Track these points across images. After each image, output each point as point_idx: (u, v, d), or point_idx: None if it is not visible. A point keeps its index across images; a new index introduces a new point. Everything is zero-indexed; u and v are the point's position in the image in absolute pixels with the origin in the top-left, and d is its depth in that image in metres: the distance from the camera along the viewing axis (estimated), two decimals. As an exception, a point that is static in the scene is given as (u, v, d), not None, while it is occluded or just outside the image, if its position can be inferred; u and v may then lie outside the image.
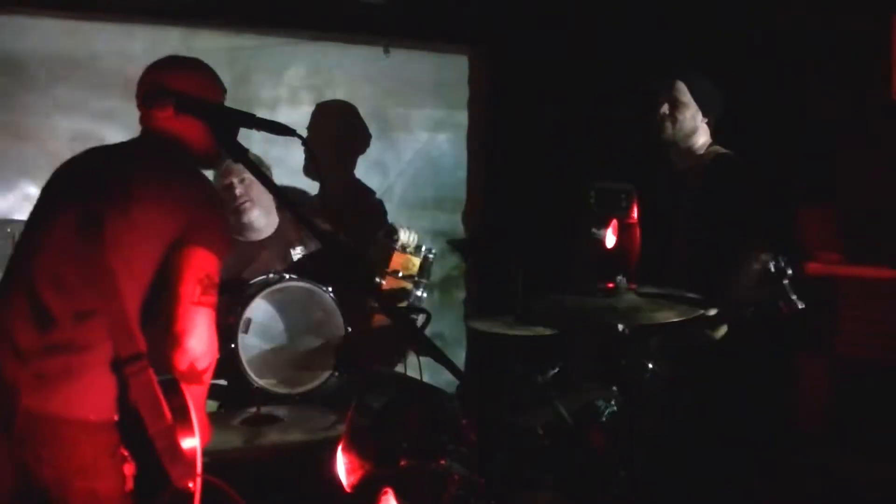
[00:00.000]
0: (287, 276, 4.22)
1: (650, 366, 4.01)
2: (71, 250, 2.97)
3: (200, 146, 3.25)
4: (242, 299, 4.10)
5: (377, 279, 4.41)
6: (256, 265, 4.54)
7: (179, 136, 3.21)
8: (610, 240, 4.97)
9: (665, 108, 4.44)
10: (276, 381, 4.13)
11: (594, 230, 4.65)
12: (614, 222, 5.01)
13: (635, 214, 4.94)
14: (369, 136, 5.73)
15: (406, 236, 4.60)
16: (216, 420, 4.04)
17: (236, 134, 2.57)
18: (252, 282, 4.27)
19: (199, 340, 2.97)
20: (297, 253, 4.68)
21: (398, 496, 3.09)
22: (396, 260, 4.45)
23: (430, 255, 4.61)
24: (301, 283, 4.20)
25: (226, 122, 2.62)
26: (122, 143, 3.30)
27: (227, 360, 4.00)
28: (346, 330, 4.24)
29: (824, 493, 4.30)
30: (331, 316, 4.25)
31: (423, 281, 4.54)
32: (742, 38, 4.88)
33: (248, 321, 4.05)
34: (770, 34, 4.84)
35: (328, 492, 3.31)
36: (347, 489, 3.27)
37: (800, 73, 4.83)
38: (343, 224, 5.07)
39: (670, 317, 3.86)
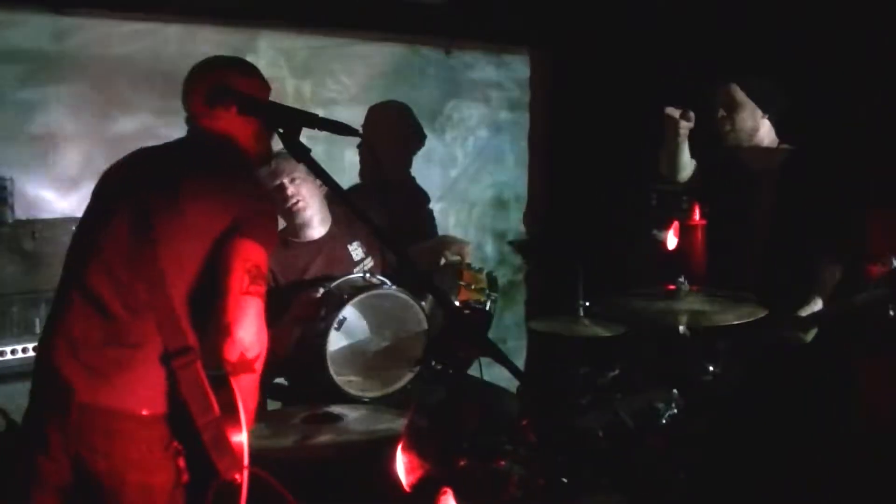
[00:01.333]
0: (388, 283, 4.19)
1: (711, 368, 3.99)
2: (124, 246, 3.01)
3: (250, 144, 3.31)
4: (338, 298, 4.08)
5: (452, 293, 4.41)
6: (318, 264, 4.53)
7: (229, 133, 3.26)
8: (671, 241, 4.94)
9: (722, 112, 4.42)
10: (355, 381, 4.14)
11: (655, 232, 4.62)
12: (676, 224, 4.98)
13: (697, 216, 4.91)
14: (424, 136, 5.75)
15: (469, 253, 4.64)
16: (277, 416, 4.07)
17: (299, 134, 2.58)
18: (344, 279, 4.27)
19: (248, 330, 2.97)
20: (354, 248, 4.66)
21: (457, 496, 3.09)
22: (467, 274, 4.45)
23: (494, 273, 4.63)
24: (399, 293, 4.17)
25: (288, 122, 2.62)
26: (172, 142, 3.36)
27: (313, 355, 4.05)
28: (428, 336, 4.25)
29: (885, 497, 4.24)
30: (418, 329, 4.24)
31: (495, 294, 4.53)
32: (810, 38, 4.83)
33: (343, 320, 4.05)
34: (838, 34, 4.78)
35: (387, 491, 3.31)
36: (406, 488, 3.27)
37: (866, 73, 4.76)
38: (398, 223, 5.09)
39: (731, 319, 3.85)
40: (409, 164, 5.71)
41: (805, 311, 4.15)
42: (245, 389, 3.04)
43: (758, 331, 3.99)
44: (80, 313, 3.00)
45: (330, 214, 4.68)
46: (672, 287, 4.10)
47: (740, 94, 4.37)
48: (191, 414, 2.90)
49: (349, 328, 4.12)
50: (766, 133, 4.42)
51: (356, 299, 4.07)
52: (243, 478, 2.95)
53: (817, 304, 4.19)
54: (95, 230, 3.11)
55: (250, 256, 3.02)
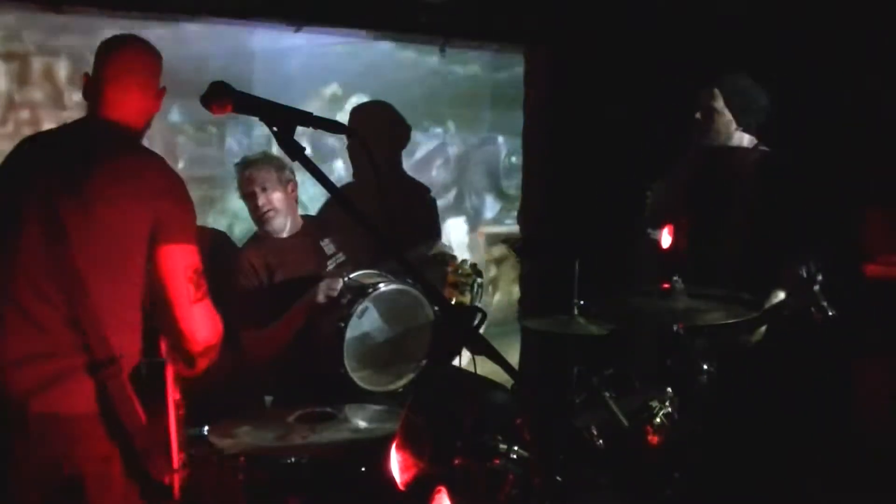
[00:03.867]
0: (409, 281, 4.25)
1: (705, 366, 3.99)
2: (41, 257, 2.98)
3: (142, 126, 3.33)
4: (363, 288, 4.18)
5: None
6: (292, 259, 4.63)
7: (128, 122, 3.25)
8: (666, 240, 4.94)
9: (698, 116, 4.44)
10: (362, 374, 4.18)
11: (650, 231, 4.62)
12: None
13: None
14: (409, 129, 5.73)
15: (456, 256, 4.68)
16: (270, 415, 4.07)
17: (293, 132, 2.58)
18: (364, 273, 4.37)
19: (207, 331, 3.11)
20: (325, 244, 4.76)
21: (452, 495, 3.09)
22: (452, 263, 4.50)
23: (477, 265, 4.67)
24: (418, 293, 4.26)
25: (283, 121, 2.62)
26: (67, 131, 3.30)
27: (327, 341, 4.12)
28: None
29: (882, 496, 4.25)
30: (426, 330, 4.34)
31: (480, 279, 4.56)
32: (808, 36, 4.83)
33: (366, 308, 4.14)
34: (837, 33, 4.78)
35: (382, 489, 3.32)
36: (401, 487, 3.27)
37: (866, 73, 4.77)
38: (397, 221, 5.09)
39: (723, 318, 3.85)
40: (399, 160, 5.70)
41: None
42: (209, 361, 3.19)
43: (718, 331, 4.01)
44: (16, 331, 3.00)
45: (300, 214, 4.82)
46: (667, 286, 4.10)
47: (719, 103, 4.39)
48: (120, 421, 2.97)
49: (365, 320, 4.16)
50: (743, 138, 4.42)
51: (380, 290, 4.17)
52: (173, 480, 3.04)
53: (777, 299, 4.18)
54: (10, 240, 3.05)
55: (188, 263, 3.08)
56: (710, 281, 4.19)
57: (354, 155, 5.41)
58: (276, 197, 4.60)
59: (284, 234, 4.69)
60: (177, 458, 3.04)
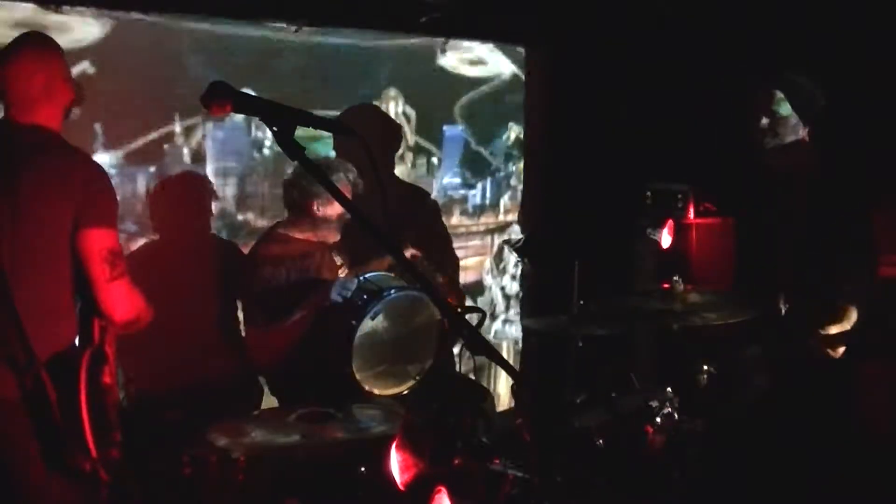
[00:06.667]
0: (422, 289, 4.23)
1: (706, 367, 3.98)
2: None
3: (55, 122, 3.48)
4: (378, 289, 4.18)
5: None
6: (316, 263, 4.54)
7: (46, 125, 3.43)
8: (665, 240, 4.94)
9: (764, 122, 4.24)
10: (363, 375, 4.18)
11: (650, 231, 4.61)
12: (670, 223, 4.98)
13: (692, 215, 4.90)
14: (400, 129, 5.73)
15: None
16: (271, 415, 4.07)
17: (293, 132, 2.58)
18: (381, 274, 4.38)
19: (125, 310, 3.40)
20: (335, 254, 4.67)
21: (452, 495, 3.09)
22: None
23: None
24: (430, 302, 4.24)
25: (283, 121, 2.62)
26: None
27: (337, 339, 4.12)
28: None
29: (883, 497, 4.24)
30: (432, 339, 4.34)
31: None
32: (811, 37, 4.82)
33: (379, 311, 4.14)
34: (837, 32, 4.77)
35: (381, 490, 3.31)
36: (401, 487, 3.27)
37: (870, 73, 4.75)
38: (400, 224, 5.10)
39: (723, 318, 3.85)
40: (393, 163, 5.69)
41: (841, 326, 4.05)
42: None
43: (787, 342, 3.96)
44: None
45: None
46: (667, 286, 4.10)
47: (786, 107, 4.20)
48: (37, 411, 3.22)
49: (376, 322, 4.20)
50: (804, 132, 4.31)
51: (395, 295, 4.18)
52: (95, 466, 3.24)
53: (853, 317, 4.07)
54: None
55: (103, 244, 3.34)
56: (763, 285, 4.14)
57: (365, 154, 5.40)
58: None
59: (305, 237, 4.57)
60: (93, 445, 3.21)
